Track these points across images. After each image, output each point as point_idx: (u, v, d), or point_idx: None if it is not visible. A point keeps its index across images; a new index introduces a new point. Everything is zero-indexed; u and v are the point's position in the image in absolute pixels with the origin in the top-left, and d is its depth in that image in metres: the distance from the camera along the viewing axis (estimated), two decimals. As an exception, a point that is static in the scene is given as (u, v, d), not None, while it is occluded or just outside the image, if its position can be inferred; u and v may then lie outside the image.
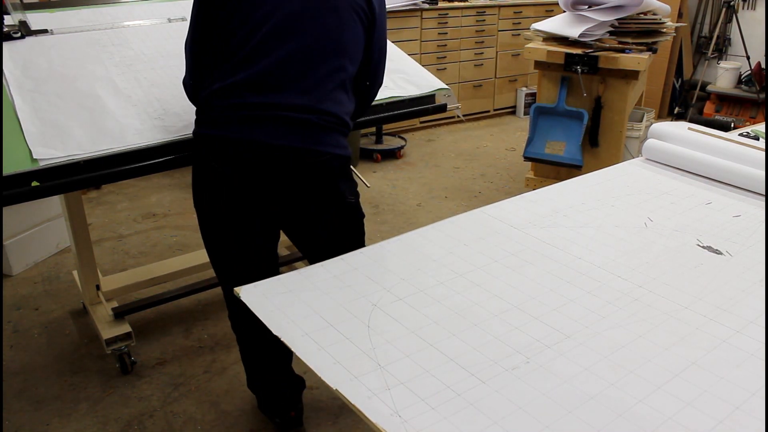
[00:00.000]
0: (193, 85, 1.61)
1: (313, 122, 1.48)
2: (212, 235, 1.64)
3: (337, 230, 1.63)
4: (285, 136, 1.47)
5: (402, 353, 0.97)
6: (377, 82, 1.71)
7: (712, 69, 5.16)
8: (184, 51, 1.60)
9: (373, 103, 1.80)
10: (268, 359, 1.82)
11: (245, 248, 1.61)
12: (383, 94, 1.88)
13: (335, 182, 1.56)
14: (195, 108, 1.59)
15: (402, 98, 2.03)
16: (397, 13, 4.50)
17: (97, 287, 2.36)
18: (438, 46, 4.82)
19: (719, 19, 5.00)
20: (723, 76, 4.94)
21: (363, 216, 1.68)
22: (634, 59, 2.98)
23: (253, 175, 1.49)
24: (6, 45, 1.83)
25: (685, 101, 5.20)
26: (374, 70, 1.66)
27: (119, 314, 2.27)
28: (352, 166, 1.64)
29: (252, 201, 1.54)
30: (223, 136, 1.49)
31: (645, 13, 3.18)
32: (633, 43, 3.07)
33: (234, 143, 1.48)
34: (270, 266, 1.67)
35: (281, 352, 1.75)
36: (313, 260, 1.60)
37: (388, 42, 1.74)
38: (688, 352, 0.97)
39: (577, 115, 3.19)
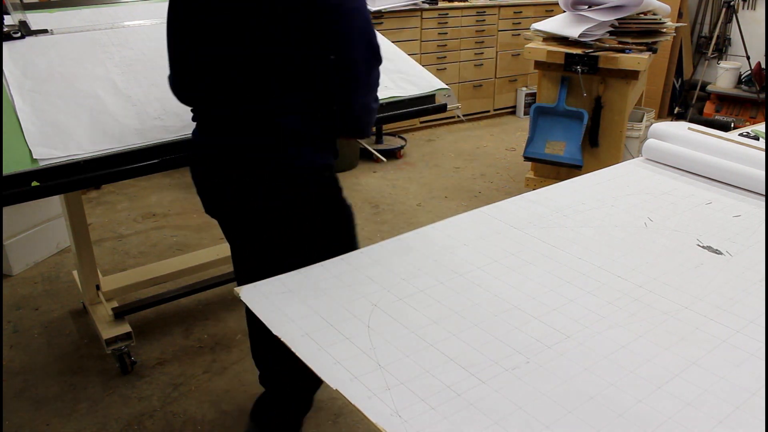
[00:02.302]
0: None
1: None
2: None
3: None
4: None
5: (402, 353, 0.97)
6: None
7: (712, 69, 5.16)
8: None
9: None
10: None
11: None
12: (383, 94, 1.87)
13: None
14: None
15: (402, 98, 2.02)
16: (397, 13, 4.50)
17: (97, 287, 2.36)
18: (438, 46, 4.82)
19: (719, 19, 5.00)
20: (723, 76, 4.94)
21: None
22: (634, 59, 2.98)
23: None
24: (6, 45, 1.82)
25: (685, 101, 5.20)
26: None
27: (119, 314, 2.27)
28: None
29: None
30: None
31: (645, 13, 3.18)
32: (633, 43, 3.07)
33: None
34: None
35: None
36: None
37: (388, 41, 1.71)
38: (688, 352, 0.97)
39: (577, 115, 3.19)
